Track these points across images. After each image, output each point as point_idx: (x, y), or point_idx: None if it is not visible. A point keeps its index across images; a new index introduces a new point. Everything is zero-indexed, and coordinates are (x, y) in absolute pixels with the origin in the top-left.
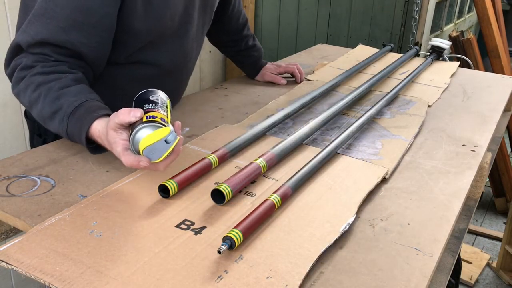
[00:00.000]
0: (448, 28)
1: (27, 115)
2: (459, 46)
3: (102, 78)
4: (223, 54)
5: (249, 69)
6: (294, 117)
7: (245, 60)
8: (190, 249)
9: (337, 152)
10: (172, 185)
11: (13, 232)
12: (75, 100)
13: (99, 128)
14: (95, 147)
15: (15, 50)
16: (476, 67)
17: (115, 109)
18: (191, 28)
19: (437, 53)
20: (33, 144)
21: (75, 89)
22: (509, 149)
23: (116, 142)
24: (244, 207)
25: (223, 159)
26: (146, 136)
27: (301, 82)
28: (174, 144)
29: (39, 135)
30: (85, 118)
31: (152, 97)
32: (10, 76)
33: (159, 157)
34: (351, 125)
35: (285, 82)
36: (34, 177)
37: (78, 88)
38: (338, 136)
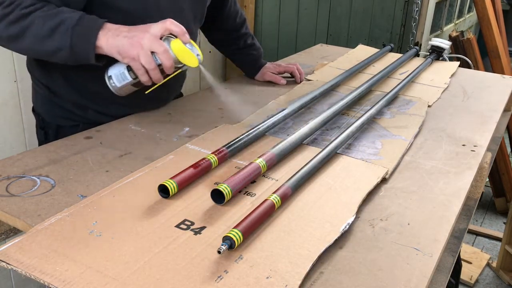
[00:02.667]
0: (448, 28)
1: (34, 109)
2: (459, 46)
3: None
4: (222, 53)
5: (248, 68)
6: (294, 117)
7: (244, 59)
8: (190, 249)
9: (337, 152)
10: (172, 185)
11: (13, 232)
12: (75, 14)
13: (114, 27)
14: (98, 56)
15: None
16: (476, 67)
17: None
18: (179, 17)
19: (437, 53)
20: (39, 140)
21: (69, 9)
22: (509, 149)
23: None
24: (244, 207)
25: (223, 159)
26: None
27: (301, 82)
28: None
29: (42, 127)
30: (93, 24)
31: None
32: None
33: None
34: (351, 125)
35: (285, 82)
36: (34, 177)
37: (72, 9)
38: (338, 136)
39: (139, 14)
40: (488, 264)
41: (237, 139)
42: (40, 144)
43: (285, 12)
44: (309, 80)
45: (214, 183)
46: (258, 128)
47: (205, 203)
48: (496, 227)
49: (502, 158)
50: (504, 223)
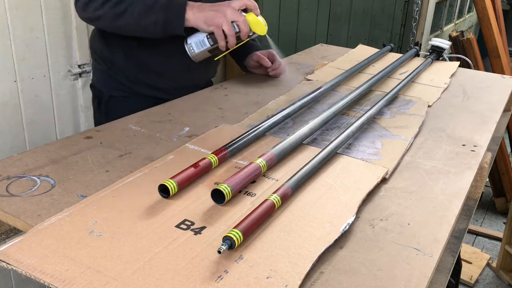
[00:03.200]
0: (448, 28)
1: (91, 85)
2: (459, 46)
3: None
4: None
5: (238, 56)
6: (294, 117)
7: (244, 51)
8: (190, 249)
9: (337, 152)
10: (172, 185)
11: (13, 232)
12: None
13: (196, 4)
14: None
15: None
16: (476, 67)
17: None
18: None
19: (437, 53)
20: (95, 109)
21: None
22: (509, 149)
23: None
24: (244, 207)
25: (223, 159)
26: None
27: (273, 71)
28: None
29: (96, 97)
30: (182, 2)
31: None
32: (85, 4)
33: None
34: (351, 125)
35: (269, 64)
36: (34, 177)
37: None
38: (338, 136)
39: None
40: (488, 264)
41: (237, 139)
42: (94, 116)
43: (285, 12)
44: (309, 80)
45: (214, 183)
46: (258, 128)
47: (205, 203)
48: (496, 227)
49: (502, 158)
50: (504, 223)
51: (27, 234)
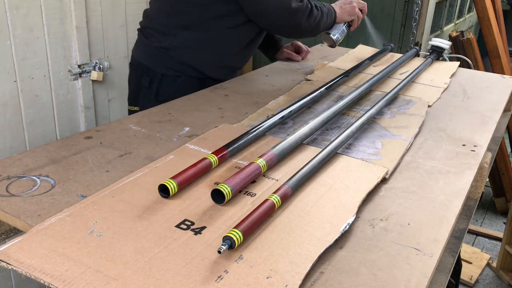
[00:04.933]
0: (448, 28)
1: (134, 62)
2: (459, 46)
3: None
4: None
5: (270, 49)
6: (294, 117)
7: (267, 42)
8: (190, 249)
9: (337, 152)
10: (172, 185)
11: (13, 232)
12: (328, 4)
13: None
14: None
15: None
16: (476, 67)
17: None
18: None
19: (437, 53)
20: (137, 87)
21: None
22: (509, 149)
23: None
24: (244, 207)
25: (223, 159)
26: None
27: (302, 59)
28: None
29: (147, 75)
30: (333, 9)
31: None
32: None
33: None
34: (351, 125)
35: (300, 59)
36: (34, 177)
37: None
38: (338, 136)
39: None
40: (488, 264)
41: (237, 139)
42: (136, 92)
43: None
44: (309, 80)
45: (214, 183)
46: (258, 128)
47: (205, 203)
48: (496, 227)
49: (502, 158)
50: (504, 223)
51: (27, 234)
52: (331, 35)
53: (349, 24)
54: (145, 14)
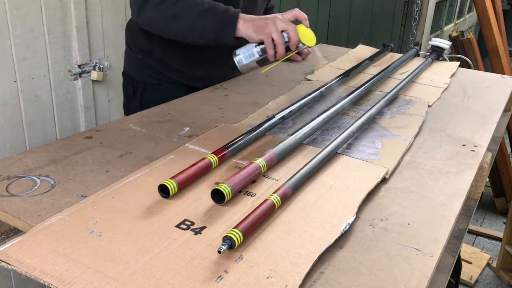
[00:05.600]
0: (448, 28)
1: (124, 72)
2: (459, 46)
3: None
4: None
5: None
6: (294, 117)
7: None
8: (190, 249)
9: (337, 152)
10: (172, 185)
11: (13, 232)
12: (220, 4)
13: (247, 16)
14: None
15: None
16: (476, 67)
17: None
18: None
19: (437, 53)
20: (127, 97)
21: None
22: (509, 149)
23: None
24: (244, 207)
25: (223, 159)
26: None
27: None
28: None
29: (132, 85)
30: (235, 12)
31: None
32: (142, 3)
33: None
34: (351, 125)
35: (300, 59)
36: (34, 177)
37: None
38: (338, 136)
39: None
40: (488, 264)
41: (237, 139)
42: (126, 102)
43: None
44: (309, 80)
45: (214, 183)
46: (258, 128)
47: (205, 203)
48: (496, 227)
49: (502, 158)
50: (504, 223)
51: (27, 234)
52: (234, 56)
53: (264, 50)
54: (127, 23)
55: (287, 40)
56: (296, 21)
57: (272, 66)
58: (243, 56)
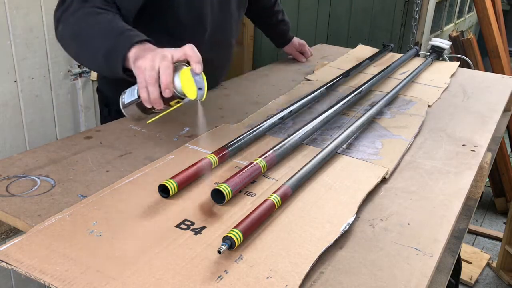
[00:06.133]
0: (448, 28)
1: (98, 88)
2: (459, 46)
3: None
4: (257, 26)
5: (278, 40)
6: (294, 117)
7: (274, 33)
8: (190, 249)
9: (337, 152)
10: (172, 185)
11: (13, 232)
12: (125, 26)
13: (149, 46)
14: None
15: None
16: (476, 67)
17: None
18: (225, 4)
19: (437, 53)
20: (102, 115)
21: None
22: (509, 149)
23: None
24: (244, 207)
25: (223, 159)
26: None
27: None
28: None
29: (106, 105)
30: (134, 37)
31: None
32: (55, 22)
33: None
34: (351, 125)
35: (304, 60)
36: (34, 177)
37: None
38: (338, 136)
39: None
40: (488, 264)
41: (237, 139)
42: (102, 119)
43: (285, 12)
44: (309, 80)
45: (214, 183)
46: (258, 128)
47: (205, 203)
48: (496, 227)
49: (502, 158)
50: (504, 223)
51: (27, 234)
52: (123, 93)
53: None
54: None
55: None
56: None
57: (156, 117)
58: (127, 94)
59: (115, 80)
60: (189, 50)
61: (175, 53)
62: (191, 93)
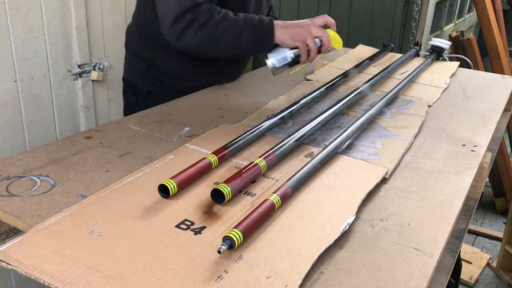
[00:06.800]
0: (448, 28)
1: (125, 78)
2: (459, 46)
3: None
4: None
5: None
6: (294, 117)
7: None
8: (190, 249)
9: (337, 152)
10: (172, 185)
11: (13, 232)
12: (253, 16)
13: (281, 23)
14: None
15: (184, 8)
16: (476, 67)
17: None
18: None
19: (437, 53)
20: (128, 105)
21: (251, 15)
22: (509, 149)
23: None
24: (244, 207)
25: (223, 159)
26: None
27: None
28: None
29: (134, 93)
30: (269, 21)
31: None
32: (182, 29)
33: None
34: (351, 125)
35: (305, 61)
36: (34, 177)
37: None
38: (338, 136)
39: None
40: (488, 264)
41: (237, 139)
42: (129, 108)
43: (285, 12)
44: (309, 80)
45: (214, 183)
46: (258, 128)
47: (205, 203)
48: (496, 227)
49: (502, 158)
50: (504, 223)
51: (27, 234)
52: (267, 60)
53: (296, 54)
54: (127, 30)
55: (319, 45)
56: (325, 26)
57: (301, 68)
58: (276, 60)
59: (145, 72)
60: (326, 17)
61: (318, 21)
62: (338, 45)
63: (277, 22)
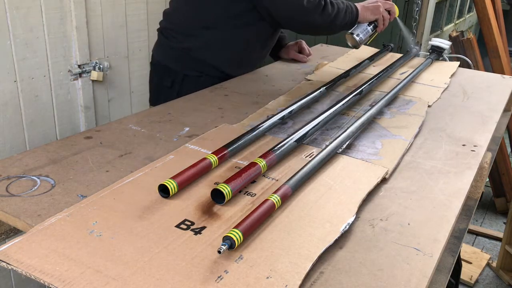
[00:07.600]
0: (448, 28)
1: (158, 63)
2: (459, 46)
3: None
4: None
5: (274, 48)
6: (294, 117)
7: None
8: (190, 249)
9: (337, 152)
10: (172, 185)
11: (13, 232)
12: (349, 3)
13: (361, 3)
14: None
15: None
16: (476, 67)
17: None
18: None
19: (437, 53)
20: (160, 88)
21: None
22: (509, 149)
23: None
24: (244, 207)
25: (223, 159)
26: None
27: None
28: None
29: (169, 75)
30: (355, 7)
31: None
32: (323, 8)
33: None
34: (351, 125)
35: (306, 60)
36: (34, 177)
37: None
38: (338, 136)
39: None
40: (488, 264)
41: (237, 139)
42: (157, 93)
43: None
44: (309, 80)
45: (214, 183)
46: (258, 128)
47: (205, 203)
48: (496, 227)
49: (502, 158)
50: (504, 223)
51: (27, 234)
52: (354, 35)
53: (375, 25)
54: (165, 14)
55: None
56: None
57: (372, 38)
58: (362, 34)
59: (181, 56)
60: None
61: None
62: (397, 13)
63: (358, 5)
